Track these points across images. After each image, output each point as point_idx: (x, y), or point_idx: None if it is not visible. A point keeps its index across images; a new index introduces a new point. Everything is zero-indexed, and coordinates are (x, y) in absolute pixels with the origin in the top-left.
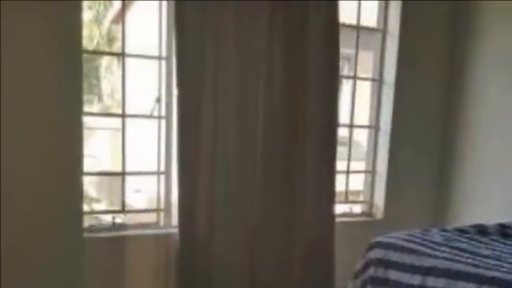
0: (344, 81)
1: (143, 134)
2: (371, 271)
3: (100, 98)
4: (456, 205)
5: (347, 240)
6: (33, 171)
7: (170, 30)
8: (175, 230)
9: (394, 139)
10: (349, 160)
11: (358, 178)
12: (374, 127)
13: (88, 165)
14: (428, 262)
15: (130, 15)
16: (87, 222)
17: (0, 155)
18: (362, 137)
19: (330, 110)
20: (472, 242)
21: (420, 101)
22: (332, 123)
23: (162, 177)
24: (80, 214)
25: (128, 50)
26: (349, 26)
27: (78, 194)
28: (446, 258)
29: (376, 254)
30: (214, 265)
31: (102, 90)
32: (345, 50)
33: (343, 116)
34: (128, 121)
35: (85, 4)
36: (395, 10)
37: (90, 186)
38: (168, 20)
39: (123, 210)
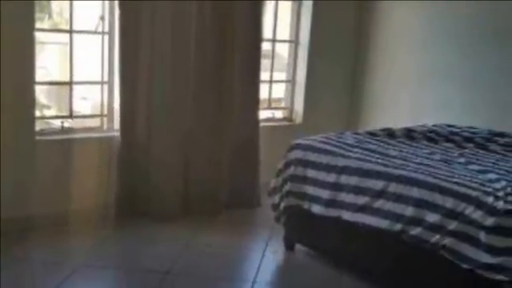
0: (267, 2)
1: (88, 48)
2: (291, 170)
3: (50, 16)
4: (367, 111)
5: (270, 142)
6: None
7: None
8: (117, 134)
9: (312, 52)
10: (272, 71)
11: (279, 87)
12: (294, 42)
13: (39, 75)
14: (342, 162)
15: None
16: (39, 126)
17: None
18: (283, 50)
19: (255, 27)
20: (381, 144)
21: (335, 18)
22: (257, 38)
23: (106, 86)
24: (32, 119)
25: None
26: None
27: (30, 102)
28: (358, 158)
29: (296, 154)
30: (152, 164)
31: (51, 9)
32: None
33: (267, 32)
34: (75, 36)
35: None
36: None
37: (41, 94)
38: None
39: (71, 116)
